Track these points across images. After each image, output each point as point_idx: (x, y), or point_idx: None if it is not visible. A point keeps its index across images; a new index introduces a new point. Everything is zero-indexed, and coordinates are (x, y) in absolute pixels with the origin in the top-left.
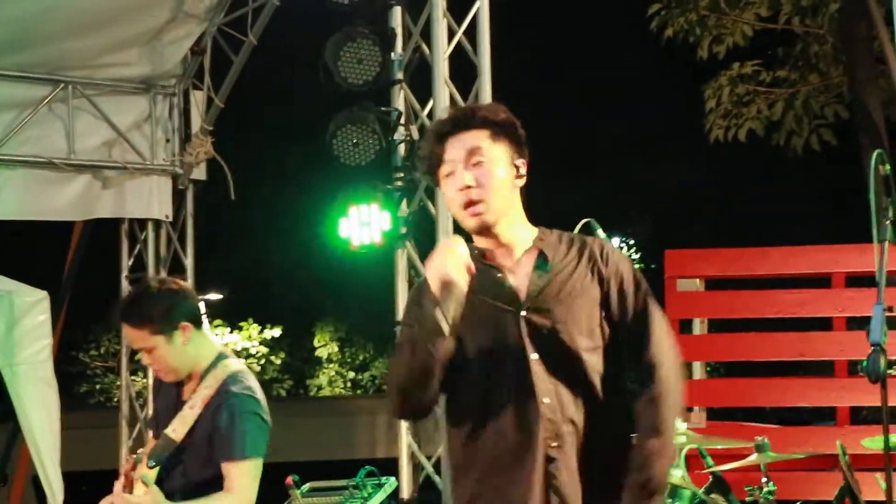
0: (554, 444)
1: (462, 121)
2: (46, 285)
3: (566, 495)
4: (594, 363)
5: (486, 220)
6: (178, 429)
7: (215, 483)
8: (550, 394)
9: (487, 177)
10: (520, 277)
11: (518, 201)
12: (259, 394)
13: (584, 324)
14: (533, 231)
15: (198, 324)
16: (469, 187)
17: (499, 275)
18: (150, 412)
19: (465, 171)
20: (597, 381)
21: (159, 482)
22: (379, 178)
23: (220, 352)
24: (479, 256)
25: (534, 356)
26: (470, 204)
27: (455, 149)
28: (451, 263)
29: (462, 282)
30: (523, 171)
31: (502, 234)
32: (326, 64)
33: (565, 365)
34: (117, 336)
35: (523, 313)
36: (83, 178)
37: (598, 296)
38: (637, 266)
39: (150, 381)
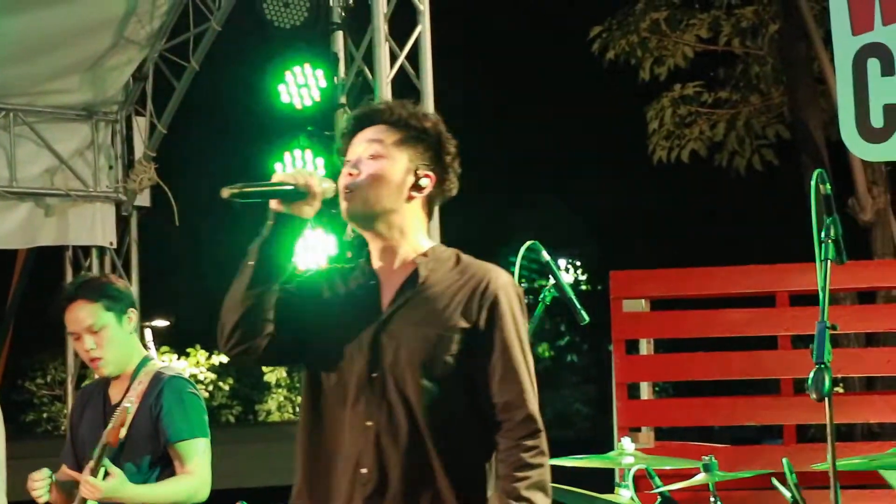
0: (364, 469)
1: (378, 115)
2: None
3: None
4: (433, 395)
5: (353, 209)
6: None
7: (161, 468)
8: (374, 417)
9: (372, 169)
10: (389, 290)
11: (413, 212)
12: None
13: (432, 352)
14: (424, 247)
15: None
16: (350, 173)
17: (371, 281)
18: (68, 441)
19: (358, 161)
20: (431, 412)
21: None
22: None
23: (144, 354)
24: (366, 258)
25: (374, 374)
26: (345, 188)
27: (361, 138)
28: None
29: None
30: (425, 183)
31: (380, 235)
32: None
33: (401, 390)
34: (63, 364)
35: (372, 329)
36: (25, 206)
37: (460, 328)
38: (583, 287)
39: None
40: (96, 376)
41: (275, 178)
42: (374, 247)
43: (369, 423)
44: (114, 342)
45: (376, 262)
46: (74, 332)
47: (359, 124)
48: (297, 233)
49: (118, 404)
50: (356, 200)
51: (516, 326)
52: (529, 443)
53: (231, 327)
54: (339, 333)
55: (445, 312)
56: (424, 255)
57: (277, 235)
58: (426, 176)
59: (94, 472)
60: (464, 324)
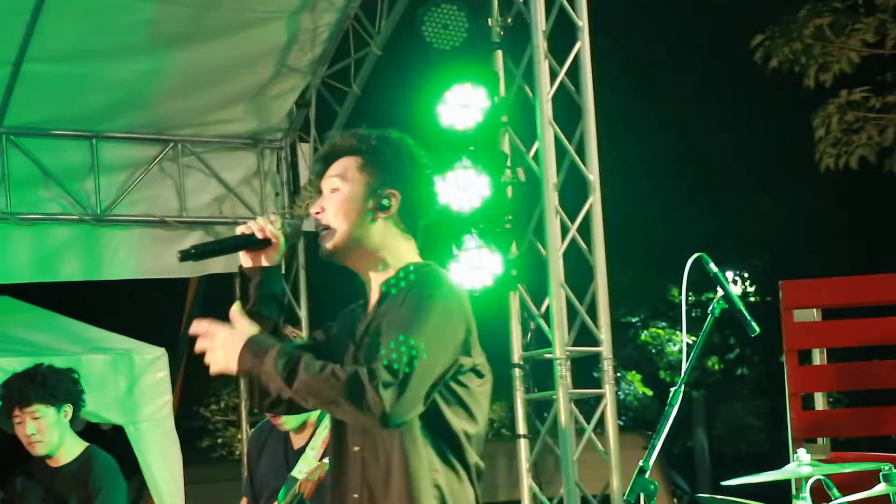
0: (355, 495)
1: (334, 150)
2: (165, 342)
3: None
4: None
5: (327, 248)
6: (303, 469)
7: None
8: (359, 442)
9: (336, 203)
10: (368, 316)
11: (384, 232)
12: None
13: None
14: (400, 265)
15: None
16: (317, 213)
17: (360, 310)
18: (247, 476)
19: (323, 198)
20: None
21: None
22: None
23: None
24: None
25: None
26: (319, 229)
27: (326, 177)
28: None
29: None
30: (390, 202)
31: (355, 265)
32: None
33: None
34: (237, 390)
35: (350, 355)
36: (195, 235)
37: None
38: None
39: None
40: None
41: (233, 233)
42: (362, 276)
43: (356, 449)
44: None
45: (368, 290)
46: None
47: (323, 166)
48: (276, 280)
49: (302, 449)
50: (328, 240)
51: (414, 309)
52: (362, 377)
53: (256, 390)
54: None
55: (391, 327)
56: (396, 274)
57: (262, 289)
58: (389, 194)
59: None
60: None
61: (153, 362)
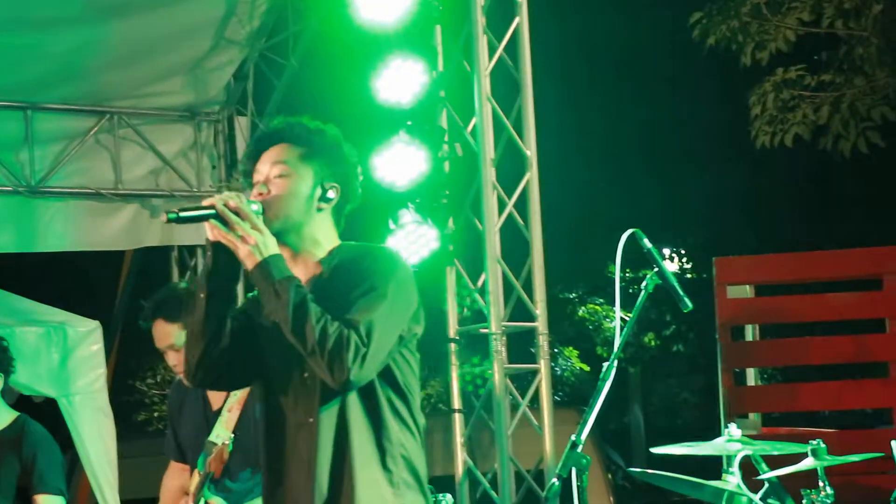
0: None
1: (280, 134)
2: (99, 315)
3: None
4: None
5: (271, 228)
6: (220, 433)
7: (257, 476)
8: (313, 414)
9: (283, 189)
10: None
11: (321, 222)
12: None
13: None
14: (332, 248)
15: None
16: (261, 193)
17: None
18: (169, 434)
19: (266, 180)
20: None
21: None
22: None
23: None
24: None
25: (305, 374)
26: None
27: (266, 159)
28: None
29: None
30: (332, 194)
31: (295, 245)
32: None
33: (325, 383)
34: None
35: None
36: (131, 208)
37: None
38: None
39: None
40: None
41: (206, 202)
42: (288, 260)
43: (311, 419)
44: None
45: (295, 272)
46: (159, 349)
47: (260, 145)
48: (236, 259)
49: (220, 410)
50: (273, 220)
51: (370, 274)
52: (343, 340)
53: (195, 362)
54: (275, 345)
55: (341, 298)
56: (330, 253)
57: (219, 264)
58: (332, 187)
59: (195, 500)
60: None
61: (87, 335)
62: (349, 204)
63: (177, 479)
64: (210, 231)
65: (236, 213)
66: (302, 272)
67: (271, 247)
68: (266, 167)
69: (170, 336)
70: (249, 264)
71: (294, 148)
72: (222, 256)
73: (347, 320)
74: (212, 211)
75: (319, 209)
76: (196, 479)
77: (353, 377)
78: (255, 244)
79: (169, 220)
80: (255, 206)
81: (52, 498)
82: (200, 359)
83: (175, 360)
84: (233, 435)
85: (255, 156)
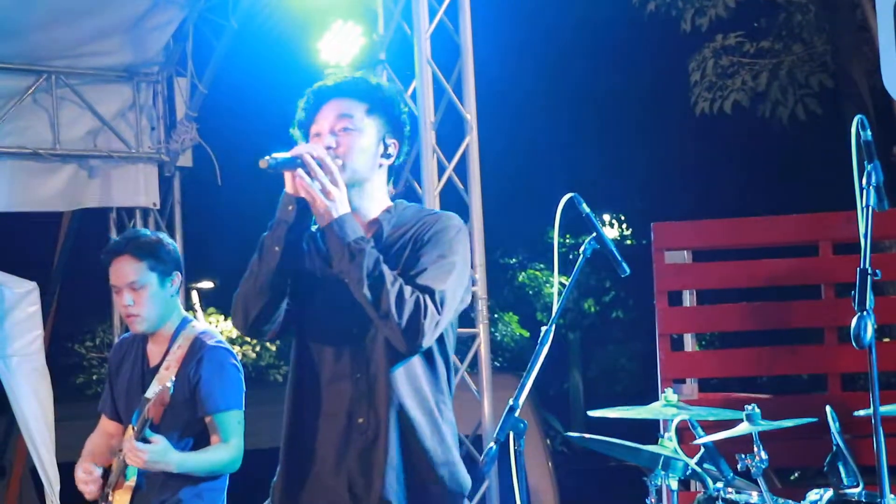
0: (360, 420)
1: (343, 87)
2: (36, 276)
3: None
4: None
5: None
6: (155, 391)
7: (196, 436)
8: (361, 369)
9: (350, 143)
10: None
11: (381, 178)
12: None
13: None
14: (388, 205)
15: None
16: (330, 148)
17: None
18: (106, 389)
19: (330, 133)
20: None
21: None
22: None
23: (184, 315)
24: None
25: (355, 329)
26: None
27: (329, 111)
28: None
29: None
30: (392, 151)
31: (354, 201)
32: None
33: (377, 339)
34: (112, 326)
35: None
36: (69, 168)
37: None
38: (628, 242)
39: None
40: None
41: (293, 152)
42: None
43: (359, 376)
44: (153, 302)
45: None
46: (116, 286)
47: (321, 98)
48: (312, 215)
49: (157, 367)
50: (343, 172)
51: (440, 242)
52: (421, 305)
53: (256, 313)
54: (324, 296)
55: (409, 259)
56: (387, 210)
57: (302, 219)
58: (392, 143)
59: (137, 439)
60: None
61: (24, 296)
62: (399, 160)
63: (103, 437)
64: (291, 182)
65: (320, 165)
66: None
67: (346, 204)
68: (329, 120)
69: (133, 273)
70: (325, 219)
71: (357, 102)
72: (301, 209)
73: (422, 286)
74: (298, 160)
75: (381, 165)
76: (129, 433)
77: (424, 342)
78: (334, 200)
79: (269, 168)
80: (339, 161)
81: None
82: (262, 310)
83: (129, 300)
84: (174, 378)
85: (315, 107)
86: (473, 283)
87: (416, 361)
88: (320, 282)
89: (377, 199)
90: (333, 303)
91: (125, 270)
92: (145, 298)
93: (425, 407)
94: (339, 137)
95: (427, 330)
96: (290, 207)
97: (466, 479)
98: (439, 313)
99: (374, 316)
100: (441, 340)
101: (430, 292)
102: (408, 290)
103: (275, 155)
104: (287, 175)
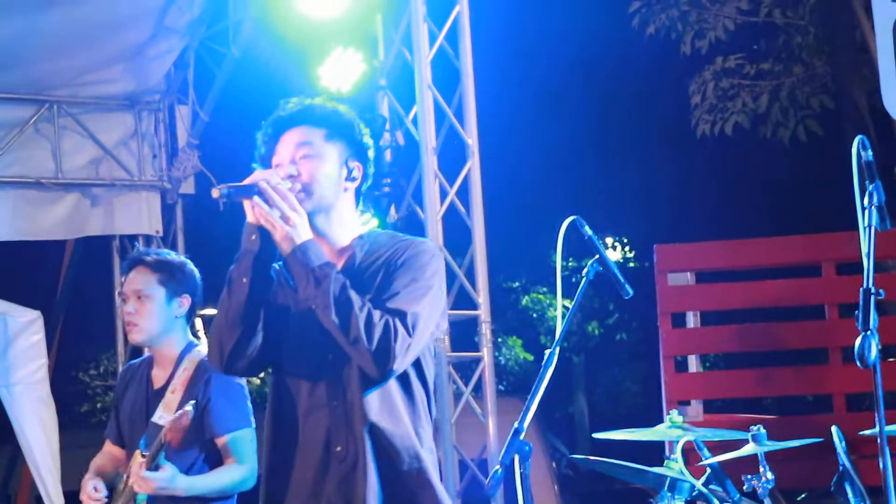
0: (338, 448)
1: (299, 116)
2: (40, 305)
3: None
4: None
5: (307, 209)
6: (164, 415)
7: (208, 458)
8: (338, 397)
9: (312, 170)
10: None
11: (348, 202)
12: None
13: None
14: (359, 232)
15: (192, 313)
16: (292, 176)
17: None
18: (112, 415)
19: (291, 163)
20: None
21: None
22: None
23: (190, 339)
24: None
25: (330, 356)
26: (296, 190)
27: (288, 141)
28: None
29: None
30: (356, 174)
31: (322, 228)
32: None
33: (351, 366)
34: (115, 354)
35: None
36: (72, 197)
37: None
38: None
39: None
40: (145, 355)
41: (249, 180)
42: (322, 233)
43: (335, 403)
44: (154, 315)
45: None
46: (124, 293)
47: (279, 128)
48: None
49: (162, 389)
50: (307, 200)
51: (413, 266)
52: (391, 330)
53: (231, 348)
54: (297, 327)
55: (382, 285)
56: (360, 237)
57: (267, 247)
58: (356, 167)
59: (148, 467)
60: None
61: (28, 325)
62: (365, 183)
63: (108, 458)
64: (251, 212)
65: (277, 192)
66: (328, 253)
67: (308, 230)
68: (289, 149)
69: (142, 282)
70: (286, 247)
71: (315, 129)
72: (264, 239)
73: (393, 309)
74: (255, 188)
75: (346, 189)
76: (137, 459)
77: (395, 366)
78: (294, 226)
79: (221, 197)
80: (297, 186)
81: None
82: (236, 345)
83: (132, 308)
84: (194, 401)
85: (274, 138)
86: (476, 307)
87: (393, 387)
88: (293, 313)
89: (347, 225)
90: (306, 333)
91: (136, 279)
92: (148, 310)
93: (403, 432)
94: (299, 165)
95: (398, 353)
96: (254, 237)
97: None
98: (410, 336)
99: (343, 342)
100: (418, 365)
101: (402, 315)
102: (377, 313)
103: (229, 185)
104: (246, 204)
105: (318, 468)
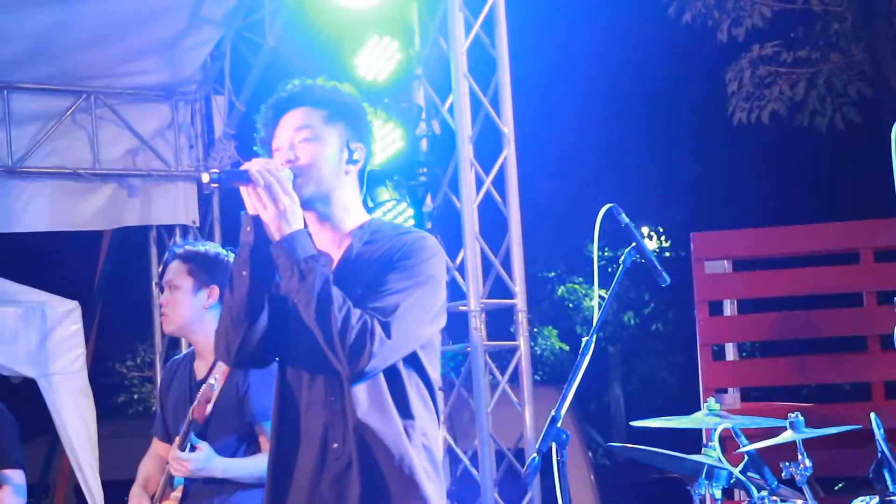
0: (335, 445)
1: (299, 97)
2: (77, 295)
3: None
4: None
5: (305, 195)
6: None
7: (248, 443)
8: (335, 392)
9: (311, 153)
10: (334, 265)
11: (351, 185)
12: None
13: None
14: (361, 220)
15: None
16: (290, 161)
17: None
18: (158, 412)
19: (290, 147)
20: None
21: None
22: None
23: None
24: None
25: None
26: (293, 175)
27: (287, 124)
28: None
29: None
30: (358, 156)
31: (324, 212)
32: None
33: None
34: (153, 345)
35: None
36: (109, 188)
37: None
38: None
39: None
40: (184, 351)
41: (242, 167)
42: (314, 226)
43: (332, 399)
44: (182, 305)
45: (318, 241)
46: (161, 283)
47: (278, 111)
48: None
49: (204, 380)
50: (305, 188)
51: (406, 265)
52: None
53: (238, 344)
54: (299, 321)
55: (374, 278)
56: (361, 227)
57: (259, 238)
58: (357, 148)
59: (181, 448)
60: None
61: (66, 315)
62: (369, 165)
63: (155, 461)
64: (247, 200)
65: (269, 177)
66: (329, 239)
67: (299, 219)
68: (288, 132)
69: (174, 273)
70: (276, 234)
71: (315, 110)
72: (262, 229)
73: (376, 309)
74: (247, 174)
75: (347, 172)
76: (175, 442)
77: (368, 368)
78: (284, 210)
79: (211, 182)
80: (287, 173)
81: (11, 472)
82: (243, 340)
83: (165, 298)
84: (215, 376)
85: (273, 121)
86: (512, 296)
87: (383, 384)
88: (292, 306)
89: (350, 210)
90: (307, 326)
91: (171, 269)
92: (176, 300)
93: (393, 430)
94: (298, 150)
95: (373, 355)
96: (248, 228)
97: None
98: (389, 338)
99: (320, 338)
100: (416, 362)
101: (383, 316)
102: (356, 314)
103: (220, 170)
104: (244, 193)
105: (316, 464)
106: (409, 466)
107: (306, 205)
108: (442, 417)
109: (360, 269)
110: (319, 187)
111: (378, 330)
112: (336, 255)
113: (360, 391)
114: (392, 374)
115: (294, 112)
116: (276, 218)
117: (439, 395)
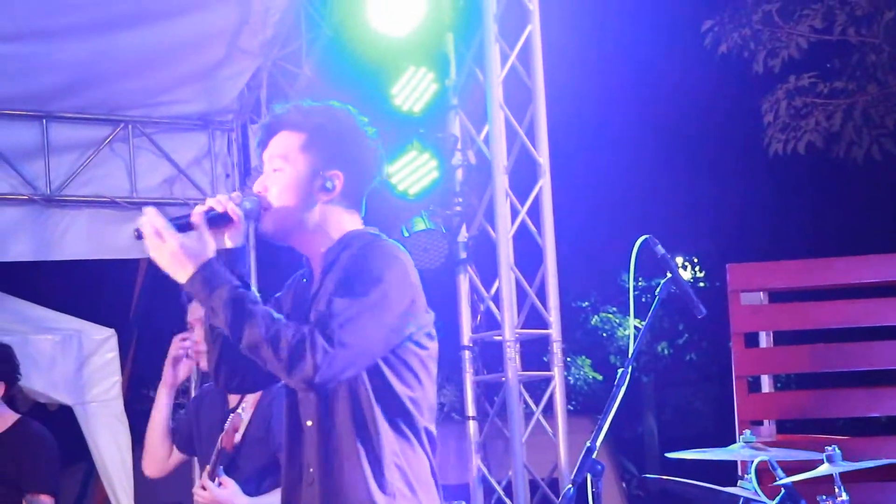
0: (311, 469)
1: (277, 122)
2: (114, 323)
3: None
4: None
5: (269, 229)
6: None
7: (268, 473)
8: (311, 416)
9: (279, 185)
10: (313, 288)
11: (327, 214)
12: None
13: None
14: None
15: None
16: (259, 192)
17: (304, 280)
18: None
19: (267, 176)
20: (351, 399)
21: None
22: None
23: None
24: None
25: None
26: (263, 208)
27: (270, 150)
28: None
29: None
30: (333, 183)
31: (300, 240)
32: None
33: None
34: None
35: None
36: None
37: None
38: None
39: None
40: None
41: (196, 209)
42: (304, 252)
43: (309, 423)
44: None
45: (312, 265)
46: (190, 321)
47: (266, 135)
48: (241, 261)
49: (235, 408)
50: (270, 219)
51: (359, 278)
52: (306, 344)
53: (213, 366)
54: None
55: (328, 294)
56: (332, 247)
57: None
58: (332, 176)
59: (210, 477)
60: None
61: (102, 343)
62: (364, 188)
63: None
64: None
65: (158, 231)
66: (315, 263)
67: (197, 255)
68: (270, 160)
69: (199, 310)
70: (180, 279)
71: (293, 135)
72: (230, 256)
73: (320, 319)
74: (138, 232)
75: (318, 201)
76: (205, 474)
77: (318, 379)
78: (175, 252)
79: (139, 237)
80: (249, 204)
81: (46, 498)
82: (218, 363)
83: (197, 338)
84: (243, 406)
85: (262, 146)
86: (547, 326)
87: (343, 406)
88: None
89: (328, 234)
90: None
91: (196, 307)
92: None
93: (353, 480)
94: (269, 180)
95: (319, 365)
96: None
97: None
98: (333, 347)
99: (262, 363)
100: (377, 378)
101: (325, 324)
102: (290, 329)
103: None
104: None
105: (293, 492)
106: (369, 491)
107: (274, 239)
108: (476, 447)
109: (324, 284)
110: (285, 218)
111: (320, 341)
112: (318, 273)
113: (329, 415)
114: (354, 415)
115: (277, 137)
116: (168, 261)
117: (423, 408)
